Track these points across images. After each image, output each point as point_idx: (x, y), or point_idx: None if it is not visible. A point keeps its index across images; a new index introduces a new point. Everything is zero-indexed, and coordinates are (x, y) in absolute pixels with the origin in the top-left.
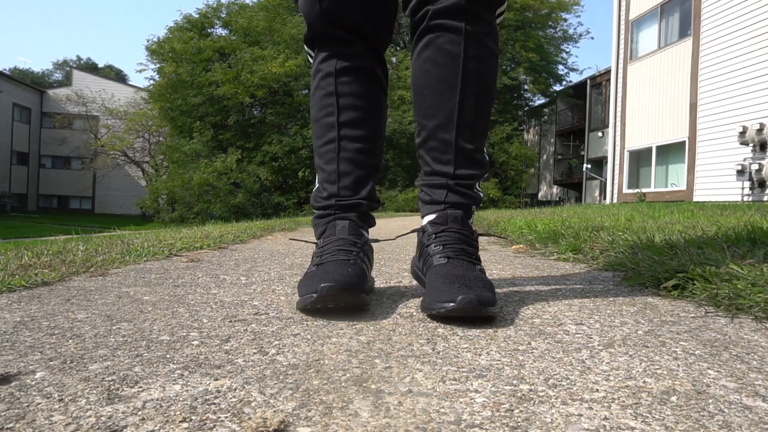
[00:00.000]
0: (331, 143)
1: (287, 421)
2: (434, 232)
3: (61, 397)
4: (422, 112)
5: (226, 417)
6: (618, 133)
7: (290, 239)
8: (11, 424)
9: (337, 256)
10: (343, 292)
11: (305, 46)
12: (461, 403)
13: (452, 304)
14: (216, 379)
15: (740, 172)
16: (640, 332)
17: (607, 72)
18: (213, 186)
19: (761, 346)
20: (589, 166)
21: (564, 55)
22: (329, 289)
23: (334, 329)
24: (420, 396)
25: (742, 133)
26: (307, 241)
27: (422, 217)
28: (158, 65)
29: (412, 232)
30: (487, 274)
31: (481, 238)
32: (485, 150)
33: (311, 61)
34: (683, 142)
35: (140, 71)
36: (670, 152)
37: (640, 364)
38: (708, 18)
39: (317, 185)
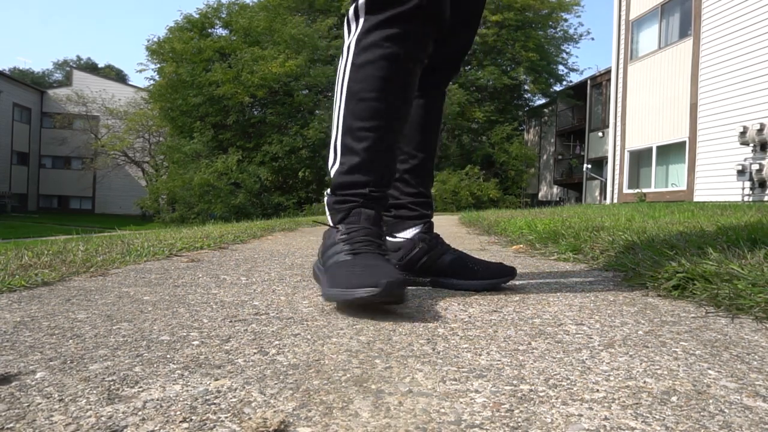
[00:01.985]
0: (376, 131)
1: (287, 421)
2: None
3: (61, 397)
4: (417, 145)
5: (227, 417)
6: (618, 133)
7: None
8: (11, 424)
9: (370, 248)
10: (402, 288)
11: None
12: (461, 403)
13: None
14: (216, 379)
15: (741, 172)
16: (640, 332)
17: (608, 72)
18: (213, 186)
19: (762, 346)
20: (589, 166)
21: (564, 55)
22: (397, 286)
23: (334, 329)
24: (420, 396)
25: (743, 133)
26: (324, 224)
27: (403, 230)
28: (158, 65)
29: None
30: None
31: (481, 238)
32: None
33: (354, 27)
34: (683, 142)
35: (140, 71)
36: (670, 152)
37: (641, 364)
38: (708, 18)
39: (343, 166)
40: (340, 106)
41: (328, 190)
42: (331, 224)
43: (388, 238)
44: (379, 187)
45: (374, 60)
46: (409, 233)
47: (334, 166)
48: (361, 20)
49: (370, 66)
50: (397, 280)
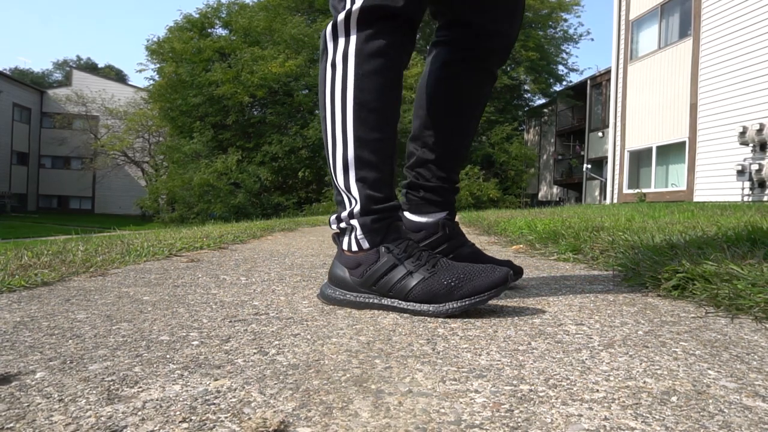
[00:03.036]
0: (388, 141)
1: (287, 421)
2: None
3: (61, 397)
4: (457, 129)
5: (226, 417)
6: (618, 133)
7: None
8: (11, 424)
9: (435, 257)
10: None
11: (345, 22)
12: (461, 403)
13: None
14: (216, 380)
15: (740, 173)
16: (640, 332)
17: (607, 72)
18: (213, 186)
19: (761, 346)
20: (589, 166)
21: (564, 55)
22: (512, 277)
23: (334, 329)
24: (420, 396)
25: (743, 134)
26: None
27: (428, 213)
28: (158, 65)
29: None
30: None
31: (481, 238)
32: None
33: (344, 38)
34: (683, 143)
35: (140, 71)
36: (670, 152)
37: (641, 364)
38: (708, 18)
39: (366, 181)
40: (345, 118)
41: (353, 211)
42: (365, 246)
43: (410, 216)
44: (393, 196)
45: (379, 69)
46: (434, 217)
47: (355, 184)
48: (354, 31)
49: (375, 76)
50: (505, 269)
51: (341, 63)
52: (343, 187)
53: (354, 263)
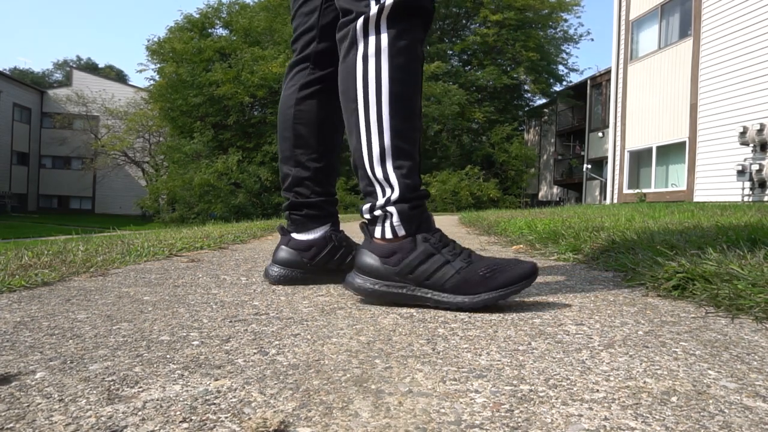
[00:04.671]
0: (418, 131)
1: (287, 421)
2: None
3: (61, 397)
4: (328, 144)
5: (227, 417)
6: (618, 133)
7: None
8: (11, 424)
9: (467, 249)
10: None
11: (380, 19)
12: (461, 403)
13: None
14: (216, 380)
15: (740, 173)
16: (640, 332)
17: (608, 72)
18: (213, 186)
19: (761, 346)
20: (589, 166)
21: (564, 55)
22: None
23: (334, 329)
24: (420, 396)
25: (743, 134)
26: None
27: (314, 229)
28: (159, 65)
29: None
30: None
31: (481, 238)
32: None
33: (375, 33)
34: (683, 143)
35: (140, 71)
36: (670, 152)
37: (641, 364)
38: (708, 18)
39: (403, 170)
40: (380, 109)
41: (390, 198)
42: (401, 234)
43: (298, 236)
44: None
45: (411, 62)
46: (320, 231)
47: (393, 172)
48: (386, 25)
49: (407, 68)
50: (531, 261)
51: (374, 56)
52: (380, 177)
53: (388, 251)
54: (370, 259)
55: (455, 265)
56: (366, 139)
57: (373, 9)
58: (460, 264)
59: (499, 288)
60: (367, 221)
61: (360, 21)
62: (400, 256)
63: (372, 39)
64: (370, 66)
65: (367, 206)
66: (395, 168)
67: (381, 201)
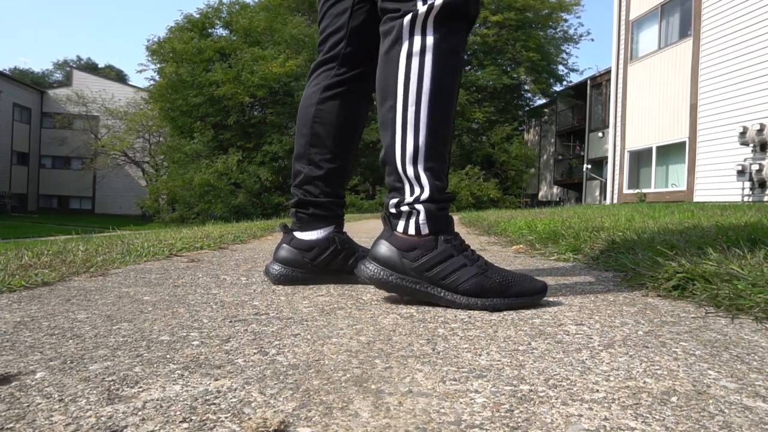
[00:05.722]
0: (451, 134)
1: (287, 421)
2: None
3: (61, 397)
4: (343, 146)
5: (227, 417)
6: (618, 133)
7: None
8: (11, 424)
9: (481, 257)
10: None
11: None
12: (461, 403)
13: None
14: (216, 380)
15: (740, 173)
16: (640, 333)
17: (608, 72)
18: (213, 186)
19: (761, 346)
20: (589, 166)
21: (564, 55)
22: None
23: (334, 329)
24: (420, 396)
25: (743, 134)
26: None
27: (317, 228)
28: (159, 65)
29: None
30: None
31: (481, 238)
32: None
33: (421, 33)
34: (683, 143)
35: (141, 71)
36: (670, 152)
37: (641, 364)
38: (708, 18)
39: (434, 170)
40: (419, 108)
41: (419, 198)
42: (424, 232)
43: (300, 236)
44: None
45: (453, 66)
46: (324, 232)
47: (424, 173)
48: (433, 26)
49: (450, 71)
50: (542, 280)
51: (418, 55)
52: (411, 175)
53: (408, 246)
54: (388, 251)
55: (472, 269)
56: (401, 136)
57: (422, 8)
58: (476, 269)
59: (512, 297)
60: (390, 214)
61: (407, 18)
62: (420, 251)
63: (417, 38)
64: (414, 65)
65: (394, 201)
66: (426, 169)
67: (409, 199)
